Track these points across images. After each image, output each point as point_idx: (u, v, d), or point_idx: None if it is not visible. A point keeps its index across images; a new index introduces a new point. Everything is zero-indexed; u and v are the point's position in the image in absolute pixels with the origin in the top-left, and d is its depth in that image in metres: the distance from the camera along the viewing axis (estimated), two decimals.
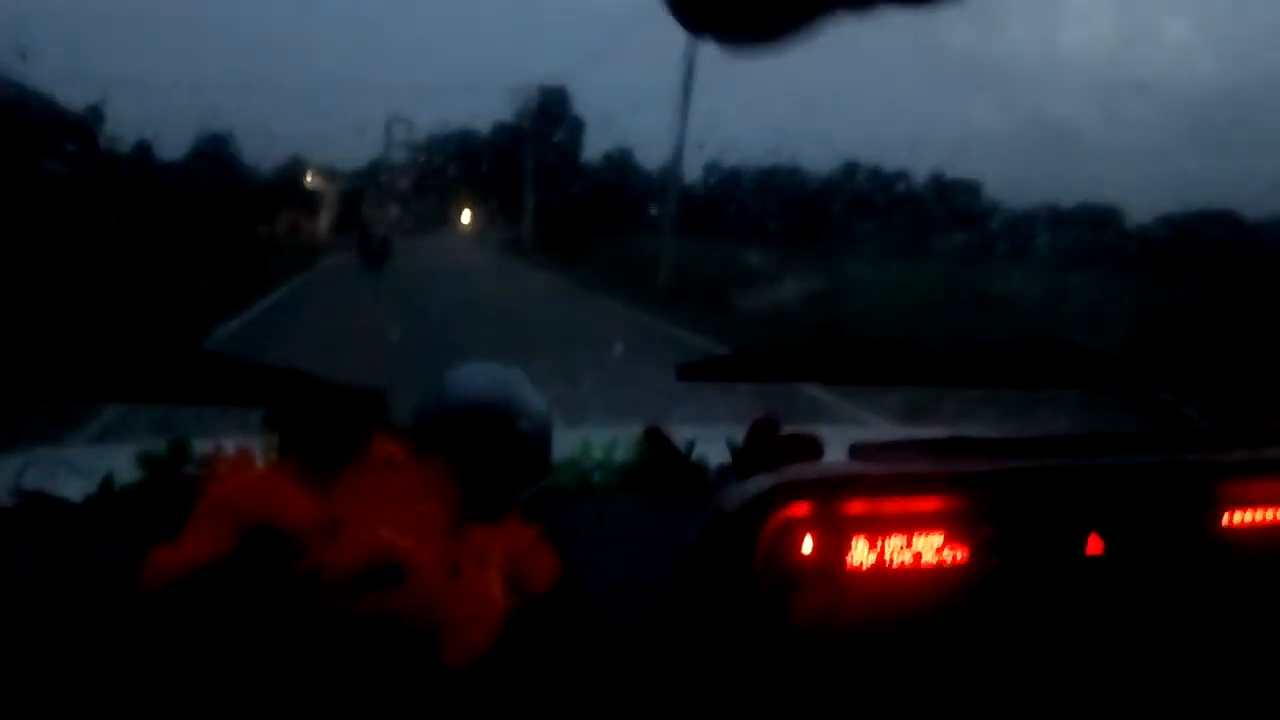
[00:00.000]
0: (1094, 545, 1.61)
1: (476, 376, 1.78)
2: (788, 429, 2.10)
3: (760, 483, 1.52)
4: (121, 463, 2.07)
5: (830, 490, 1.53)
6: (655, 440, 2.17)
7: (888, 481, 1.57)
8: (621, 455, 2.21)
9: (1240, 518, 1.69)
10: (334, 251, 24.09)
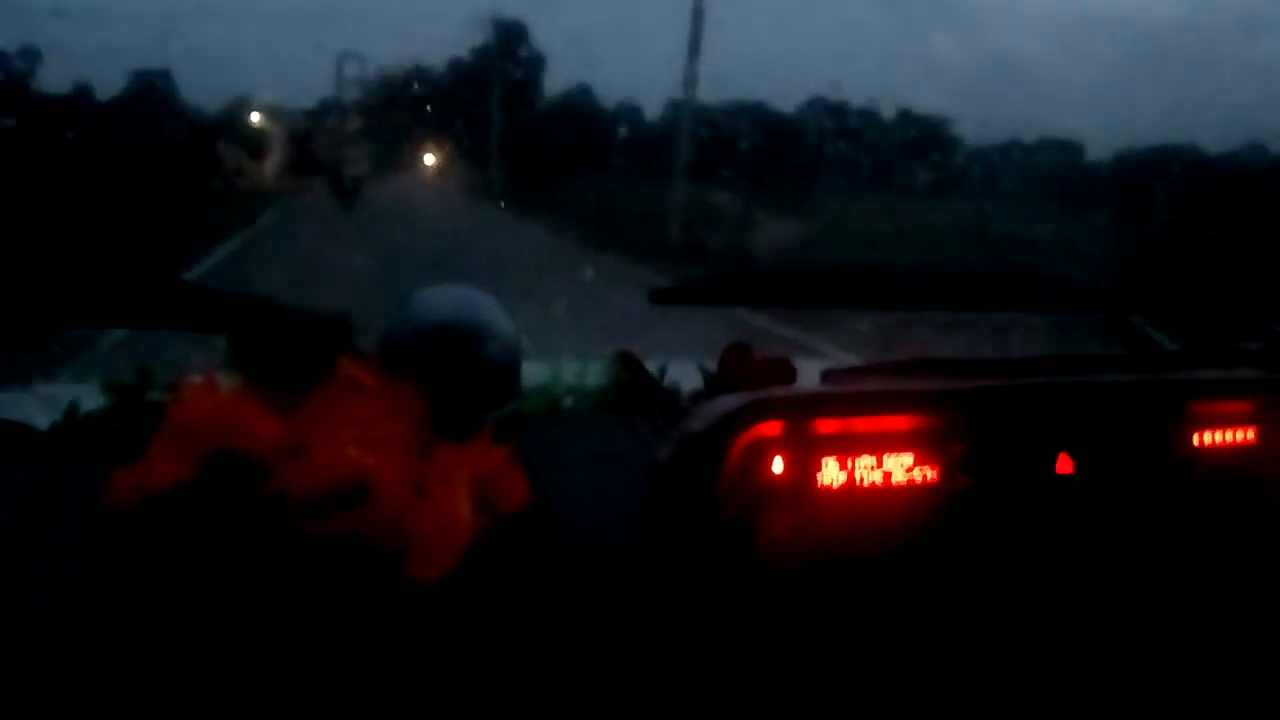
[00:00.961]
0: (1064, 464, 1.61)
1: (443, 298, 1.76)
2: (760, 354, 2.09)
3: (730, 401, 1.51)
4: (88, 394, 2.04)
5: (801, 409, 1.53)
6: (627, 364, 2.16)
7: (859, 400, 1.57)
8: (594, 380, 2.19)
9: (1209, 438, 1.70)
10: (279, 204, 21.80)
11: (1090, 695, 1.62)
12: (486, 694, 1.42)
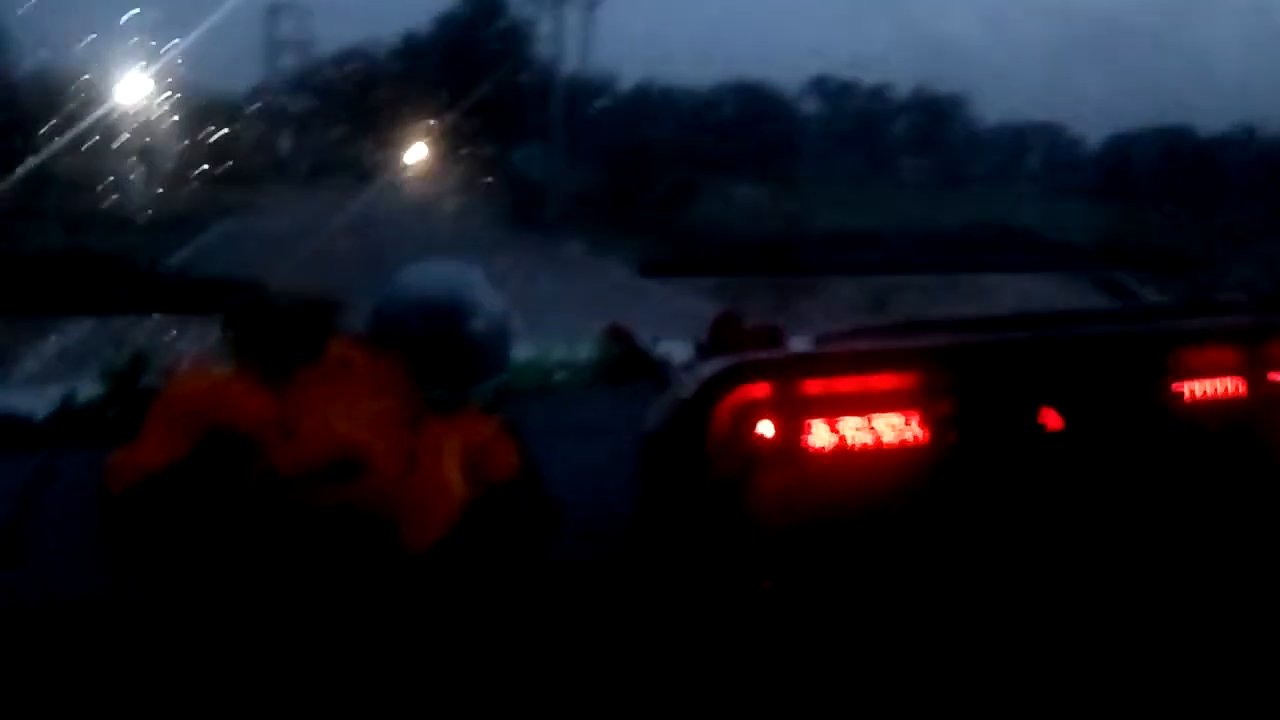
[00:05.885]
0: (1051, 418, 1.62)
1: (429, 274, 1.77)
2: (750, 323, 2.10)
3: (716, 364, 1.52)
4: (82, 384, 2.06)
5: (788, 370, 1.53)
6: (617, 337, 2.17)
7: (845, 360, 1.58)
8: (584, 354, 2.21)
9: (1195, 388, 1.71)
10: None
11: (1083, 650, 1.63)
12: (479, 660, 1.43)
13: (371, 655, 1.40)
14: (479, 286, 1.77)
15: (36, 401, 2.04)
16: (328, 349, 1.59)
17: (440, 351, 1.63)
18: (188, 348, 1.94)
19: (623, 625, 1.52)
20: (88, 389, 2.02)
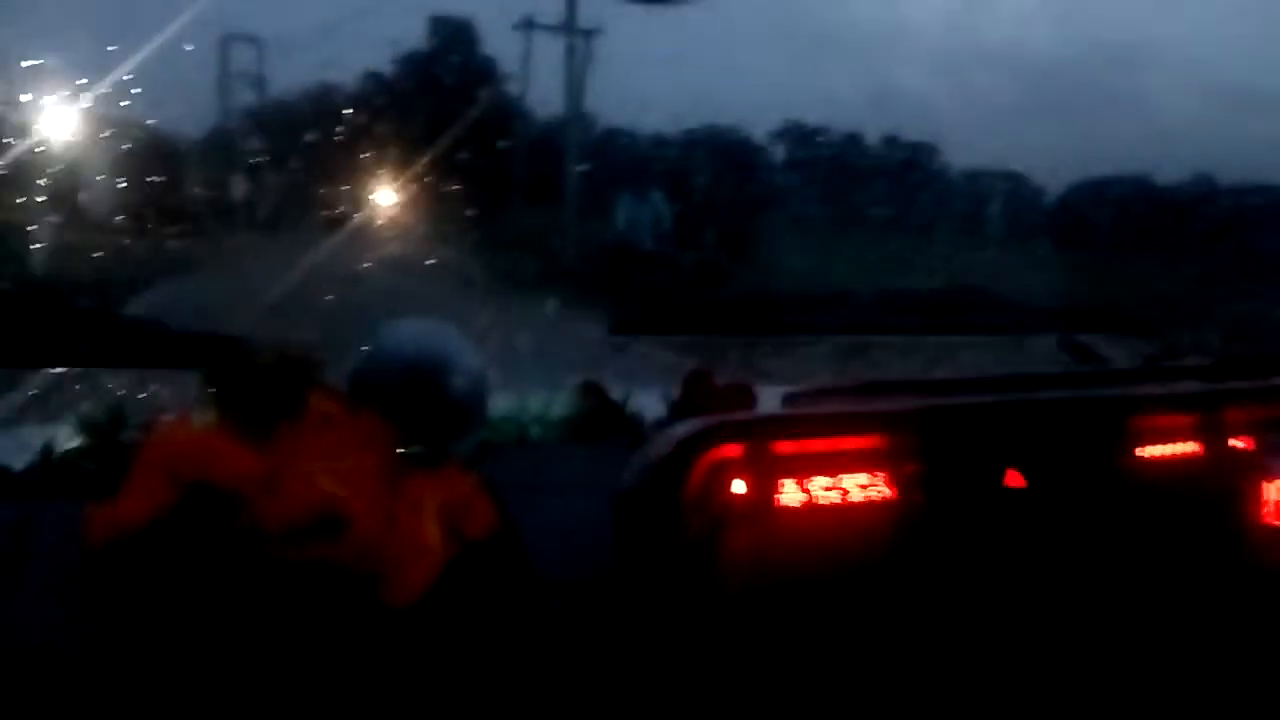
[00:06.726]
0: (1014, 479, 1.67)
1: (409, 332, 1.80)
2: (721, 381, 2.14)
3: (690, 425, 1.56)
4: (60, 433, 2.07)
5: (760, 431, 1.58)
6: (591, 393, 2.21)
7: (816, 422, 1.62)
8: (559, 410, 2.24)
9: (1154, 450, 1.76)
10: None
11: (1046, 701, 1.66)
12: (457, 713, 1.45)
13: (352, 710, 1.41)
14: (458, 343, 1.80)
15: (10, 447, 2.05)
16: (309, 404, 1.61)
17: (421, 408, 1.66)
18: (166, 400, 1.96)
19: (596, 679, 1.54)
20: (64, 439, 2.04)
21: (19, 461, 1.97)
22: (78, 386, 2.26)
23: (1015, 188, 18.72)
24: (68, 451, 2.00)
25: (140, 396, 2.10)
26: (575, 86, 15.04)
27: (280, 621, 1.42)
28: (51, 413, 2.26)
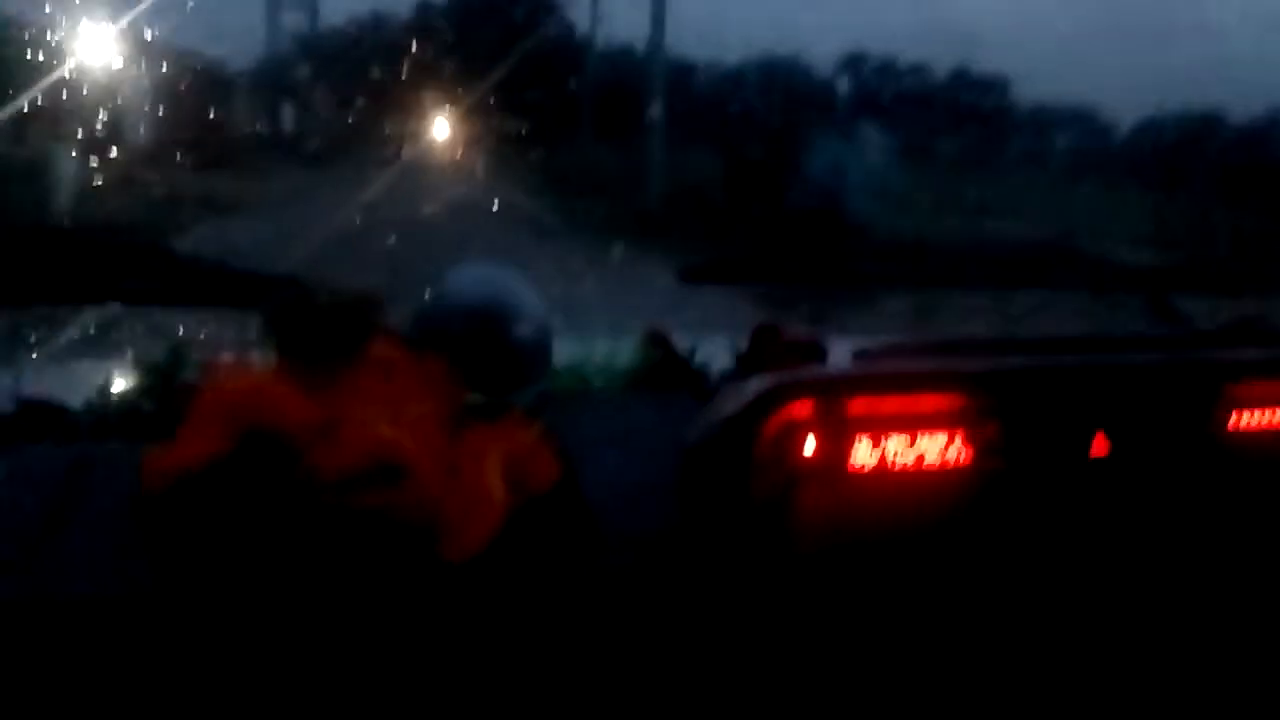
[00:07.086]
0: (1099, 446, 1.60)
1: (474, 278, 1.76)
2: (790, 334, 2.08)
3: (761, 382, 1.51)
4: (117, 371, 2.06)
5: (832, 389, 1.52)
6: (657, 342, 2.15)
7: (891, 380, 1.56)
8: (623, 360, 2.19)
9: (1247, 419, 1.68)
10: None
11: (1119, 674, 1.61)
12: (516, 671, 1.42)
13: (407, 663, 1.39)
14: (524, 290, 1.76)
15: (65, 386, 2.04)
16: (369, 349, 1.58)
17: (484, 356, 1.62)
18: (223, 341, 1.93)
19: (660, 637, 1.51)
20: (120, 378, 2.02)
21: (77, 400, 1.96)
22: (135, 325, 2.25)
23: (1087, 124, 18.20)
24: (125, 392, 1.98)
25: (199, 337, 2.08)
26: (658, 13, 14.35)
27: (336, 570, 1.39)
28: (107, 350, 2.25)
